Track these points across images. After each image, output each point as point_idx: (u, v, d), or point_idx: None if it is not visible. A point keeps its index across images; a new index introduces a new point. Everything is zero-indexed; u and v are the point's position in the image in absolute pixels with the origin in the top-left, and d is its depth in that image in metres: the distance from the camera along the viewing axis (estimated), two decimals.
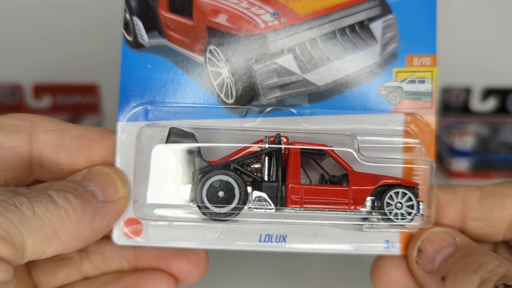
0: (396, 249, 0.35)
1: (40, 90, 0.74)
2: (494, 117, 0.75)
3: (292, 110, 0.36)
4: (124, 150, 0.35)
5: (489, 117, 0.75)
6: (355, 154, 0.34)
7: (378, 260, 0.36)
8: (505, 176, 0.68)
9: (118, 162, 0.35)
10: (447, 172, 0.70)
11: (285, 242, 0.35)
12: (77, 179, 0.33)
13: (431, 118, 0.37)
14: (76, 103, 0.74)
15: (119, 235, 0.35)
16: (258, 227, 0.35)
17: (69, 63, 0.69)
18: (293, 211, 0.31)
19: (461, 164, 0.68)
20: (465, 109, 0.75)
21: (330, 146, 0.33)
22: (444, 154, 0.71)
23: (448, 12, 0.73)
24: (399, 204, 0.31)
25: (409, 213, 0.31)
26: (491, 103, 0.76)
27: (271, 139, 0.33)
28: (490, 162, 0.68)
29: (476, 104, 0.76)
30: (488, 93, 0.75)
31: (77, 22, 0.66)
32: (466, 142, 0.67)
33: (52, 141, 0.34)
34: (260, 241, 0.35)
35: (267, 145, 0.32)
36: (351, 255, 0.36)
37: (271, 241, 0.35)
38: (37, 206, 0.28)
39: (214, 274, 0.39)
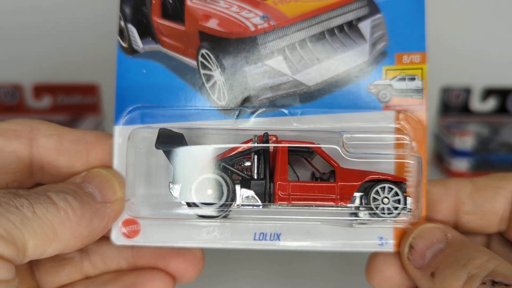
0: (389, 246, 0.35)
1: (40, 90, 0.73)
2: (494, 117, 0.75)
3: (284, 110, 0.37)
4: (121, 153, 0.36)
5: (489, 117, 0.75)
6: (340, 150, 0.34)
7: (373, 257, 0.36)
8: None
9: (116, 165, 0.36)
10: (447, 172, 0.70)
11: (279, 240, 0.36)
12: (76, 181, 0.34)
13: (422, 115, 0.37)
14: (76, 103, 0.73)
15: (117, 235, 0.36)
16: (252, 225, 0.36)
17: (69, 63, 0.68)
18: (281, 207, 0.32)
19: (461, 164, 0.68)
20: (465, 109, 0.75)
21: (318, 144, 0.34)
22: (444, 154, 0.71)
23: (447, 12, 0.73)
24: (385, 199, 0.31)
25: (396, 208, 0.31)
26: (491, 103, 0.76)
27: (260, 138, 0.34)
28: (490, 162, 0.68)
29: (476, 104, 0.76)
30: (488, 93, 0.75)
31: (77, 22, 0.65)
32: (466, 142, 0.67)
33: (51, 145, 0.35)
34: (254, 239, 0.36)
35: (255, 144, 0.32)
36: (346, 252, 0.36)
37: (265, 240, 0.36)
38: (37, 207, 0.29)
39: (211, 274, 0.39)
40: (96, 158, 0.36)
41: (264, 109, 0.37)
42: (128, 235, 0.36)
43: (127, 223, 0.36)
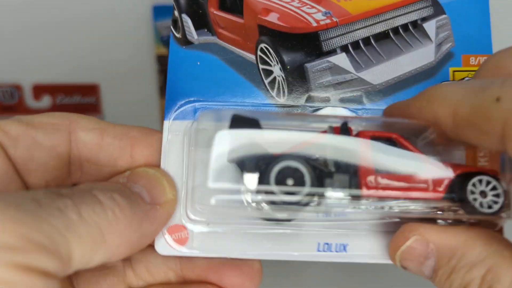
0: None
1: (39, 90, 0.71)
2: None
3: (347, 109, 0.34)
4: (171, 150, 0.32)
5: None
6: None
7: None
8: None
9: (163, 164, 0.32)
10: None
11: (345, 251, 0.32)
12: (120, 181, 0.30)
13: None
14: (76, 103, 0.71)
15: (162, 244, 0.31)
16: (315, 234, 0.32)
17: (69, 63, 0.66)
18: (366, 204, 0.28)
19: None
20: None
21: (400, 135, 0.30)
22: None
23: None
24: (483, 193, 0.28)
25: (495, 202, 0.28)
26: None
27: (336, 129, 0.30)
28: None
29: None
30: None
31: (77, 22, 0.64)
32: None
33: (91, 140, 0.31)
34: (318, 250, 0.32)
35: (335, 135, 0.29)
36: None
37: (330, 251, 0.32)
38: (82, 208, 0.25)
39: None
40: (141, 156, 0.32)
41: (325, 107, 0.34)
42: (174, 244, 0.32)
43: (173, 229, 0.32)
